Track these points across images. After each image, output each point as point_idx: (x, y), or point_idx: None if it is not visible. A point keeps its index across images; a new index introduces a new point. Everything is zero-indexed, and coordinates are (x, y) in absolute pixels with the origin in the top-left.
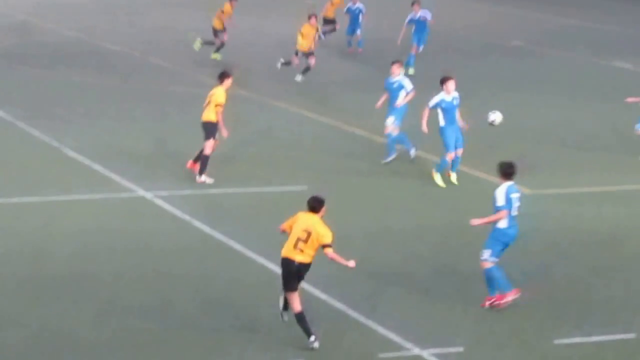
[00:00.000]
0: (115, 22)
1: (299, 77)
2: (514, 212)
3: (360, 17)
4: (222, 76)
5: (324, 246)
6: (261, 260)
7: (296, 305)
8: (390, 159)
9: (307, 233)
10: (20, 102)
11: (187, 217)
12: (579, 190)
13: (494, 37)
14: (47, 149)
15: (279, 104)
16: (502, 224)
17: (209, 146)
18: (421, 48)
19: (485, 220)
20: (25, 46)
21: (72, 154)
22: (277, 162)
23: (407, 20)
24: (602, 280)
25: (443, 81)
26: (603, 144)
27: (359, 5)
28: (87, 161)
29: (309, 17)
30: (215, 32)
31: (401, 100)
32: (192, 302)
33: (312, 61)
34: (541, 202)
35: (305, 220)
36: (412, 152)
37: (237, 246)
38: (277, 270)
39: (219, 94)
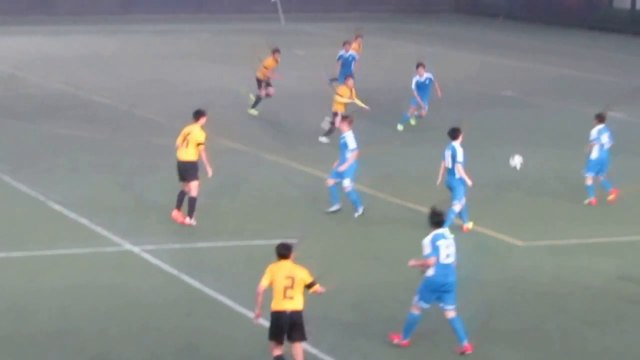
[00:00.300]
0: (101, 74)
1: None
2: (445, 260)
3: (353, 64)
4: (198, 114)
5: (310, 285)
6: (251, 314)
7: (277, 351)
8: (333, 209)
9: (291, 279)
10: (6, 156)
11: (174, 272)
12: (572, 242)
13: (485, 88)
14: (33, 202)
15: (269, 157)
16: (430, 271)
17: (195, 187)
18: (426, 107)
19: (419, 262)
20: (11, 99)
21: (57, 207)
22: (266, 215)
23: (414, 85)
24: (597, 332)
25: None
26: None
27: (351, 52)
28: (73, 215)
29: (347, 79)
30: (260, 84)
31: (345, 164)
32: (180, 358)
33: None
34: (534, 254)
35: (284, 269)
36: (360, 210)
37: (227, 301)
38: (268, 325)
39: (197, 132)
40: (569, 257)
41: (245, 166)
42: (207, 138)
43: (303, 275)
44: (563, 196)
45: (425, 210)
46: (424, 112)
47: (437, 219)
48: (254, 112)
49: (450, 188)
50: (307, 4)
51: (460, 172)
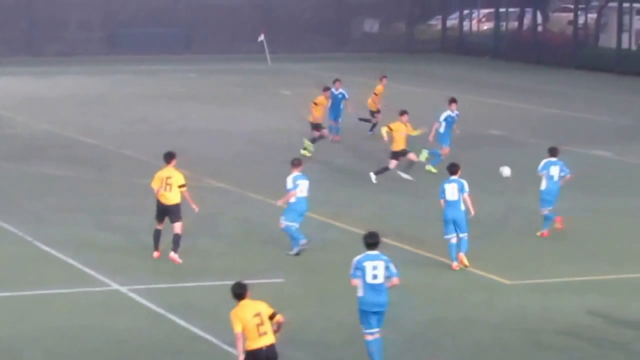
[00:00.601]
0: (88, 114)
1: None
2: (372, 281)
3: (343, 103)
4: (170, 157)
5: (273, 316)
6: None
7: None
8: (294, 251)
9: (259, 315)
10: None
11: (162, 311)
12: (559, 280)
13: (473, 127)
14: (20, 242)
15: (255, 196)
16: (359, 292)
17: (180, 227)
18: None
19: (353, 283)
20: None
21: (45, 247)
22: (253, 254)
23: (443, 118)
24: None
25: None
26: (583, 233)
27: (342, 90)
28: (60, 255)
29: (402, 115)
30: (316, 126)
31: (282, 200)
32: None
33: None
34: (521, 292)
35: (248, 308)
36: (295, 250)
37: (214, 340)
38: None
39: (177, 175)
40: (556, 296)
41: (232, 205)
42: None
43: (265, 308)
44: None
45: (412, 249)
46: (446, 151)
47: (369, 241)
48: (307, 152)
49: (455, 222)
50: (294, 44)
51: (467, 202)
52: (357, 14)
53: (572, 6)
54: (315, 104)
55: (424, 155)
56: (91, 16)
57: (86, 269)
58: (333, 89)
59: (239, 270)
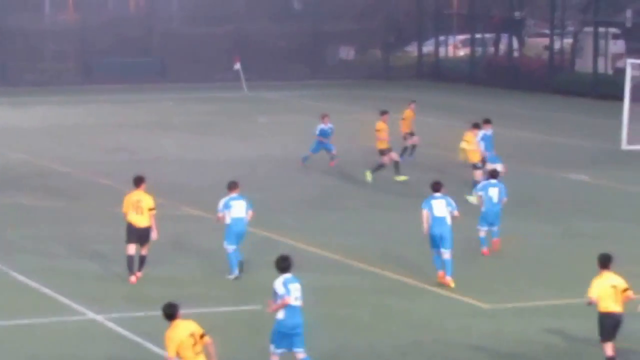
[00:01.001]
0: (63, 144)
1: (471, 198)
2: (294, 302)
3: (330, 136)
4: (140, 181)
5: (203, 335)
6: None
7: None
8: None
9: (192, 336)
10: None
11: (139, 340)
12: (536, 303)
13: (450, 152)
14: None
15: None
16: (280, 314)
17: (147, 248)
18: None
19: (277, 305)
20: None
21: (20, 277)
22: (230, 282)
23: (480, 137)
24: None
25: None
26: (559, 257)
27: (330, 125)
28: (35, 284)
29: (475, 125)
30: (382, 152)
31: (218, 219)
32: None
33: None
34: (499, 316)
35: (182, 328)
36: (233, 275)
37: None
38: None
39: (148, 199)
40: (533, 319)
41: (208, 233)
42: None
43: (197, 328)
44: (527, 258)
45: (390, 274)
46: (504, 169)
47: (283, 265)
48: (401, 178)
49: (442, 237)
50: (269, 72)
51: (453, 219)
52: (333, 41)
53: (547, 31)
54: (378, 130)
55: (473, 199)
56: (66, 46)
57: (62, 298)
58: (322, 125)
59: (215, 298)
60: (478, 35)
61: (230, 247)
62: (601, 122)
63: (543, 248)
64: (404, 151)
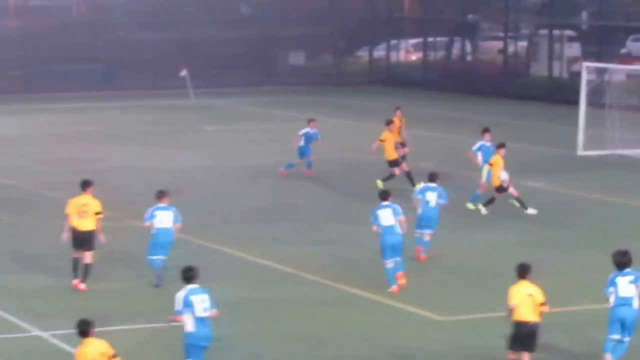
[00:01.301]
0: (5, 155)
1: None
2: (202, 314)
3: (314, 142)
4: (87, 184)
5: (114, 356)
6: None
7: None
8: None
9: (104, 355)
10: None
11: None
12: (491, 315)
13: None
14: None
15: (180, 235)
16: (189, 327)
17: (91, 256)
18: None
19: (177, 318)
20: None
21: None
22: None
23: (478, 147)
24: None
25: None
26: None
27: (315, 130)
28: None
29: (499, 149)
30: (392, 163)
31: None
32: None
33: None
34: (453, 328)
35: (92, 348)
36: (156, 281)
37: None
38: None
39: (95, 203)
40: (488, 331)
41: None
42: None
43: (108, 348)
44: (480, 269)
45: (343, 286)
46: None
47: (187, 275)
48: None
49: (394, 246)
50: (217, 79)
51: (403, 225)
52: (282, 47)
53: (501, 34)
54: (382, 140)
55: (471, 206)
56: (6, 54)
57: (6, 315)
58: (308, 129)
59: (167, 311)
60: (430, 39)
61: (153, 258)
62: (557, 128)
63: (497, 258)
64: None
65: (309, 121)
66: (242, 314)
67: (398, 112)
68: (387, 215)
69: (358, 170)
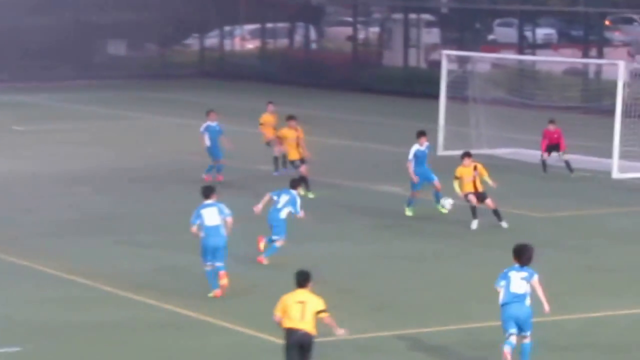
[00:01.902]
0: None
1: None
2: None
3: (220, 137)
4: None
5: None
6: None
7: None
8: None
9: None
10: None
11: None
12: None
13: (239, 162)
14: None
15: (21, 262)
16: None
17: None
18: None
19: None
20: None
21: None
22: None
23: (412, 155)
24: None
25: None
26: (376, 281)
27: (216, 124)
28: None
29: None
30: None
31: None
32: None
33: None
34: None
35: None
36: None
37: None
38: None
39: None
40: (345, 354)
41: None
42: None
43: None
44: (338, 283)
45: (168, 306)
46: (438, 185)
47: None
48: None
49: (217, 248)
50: (25, 72)
51: (229, 226)
52: (100, 35)
53: (350, 19)
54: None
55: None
56: None
57: None
58: (209, 122)
59: None
60: (269, 25)
61: None
62: (413, 125)
63: (357, 272)
64: (275, 163)
65: (208, 113)
66: (52, 340)
67: (270, 107)
68: (211, 215)
69: (186, 173)
